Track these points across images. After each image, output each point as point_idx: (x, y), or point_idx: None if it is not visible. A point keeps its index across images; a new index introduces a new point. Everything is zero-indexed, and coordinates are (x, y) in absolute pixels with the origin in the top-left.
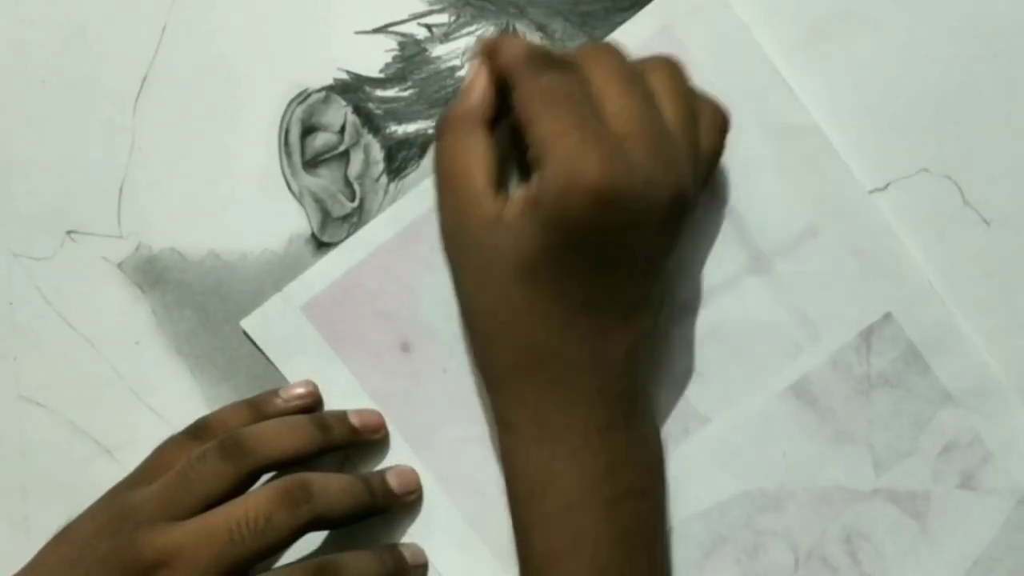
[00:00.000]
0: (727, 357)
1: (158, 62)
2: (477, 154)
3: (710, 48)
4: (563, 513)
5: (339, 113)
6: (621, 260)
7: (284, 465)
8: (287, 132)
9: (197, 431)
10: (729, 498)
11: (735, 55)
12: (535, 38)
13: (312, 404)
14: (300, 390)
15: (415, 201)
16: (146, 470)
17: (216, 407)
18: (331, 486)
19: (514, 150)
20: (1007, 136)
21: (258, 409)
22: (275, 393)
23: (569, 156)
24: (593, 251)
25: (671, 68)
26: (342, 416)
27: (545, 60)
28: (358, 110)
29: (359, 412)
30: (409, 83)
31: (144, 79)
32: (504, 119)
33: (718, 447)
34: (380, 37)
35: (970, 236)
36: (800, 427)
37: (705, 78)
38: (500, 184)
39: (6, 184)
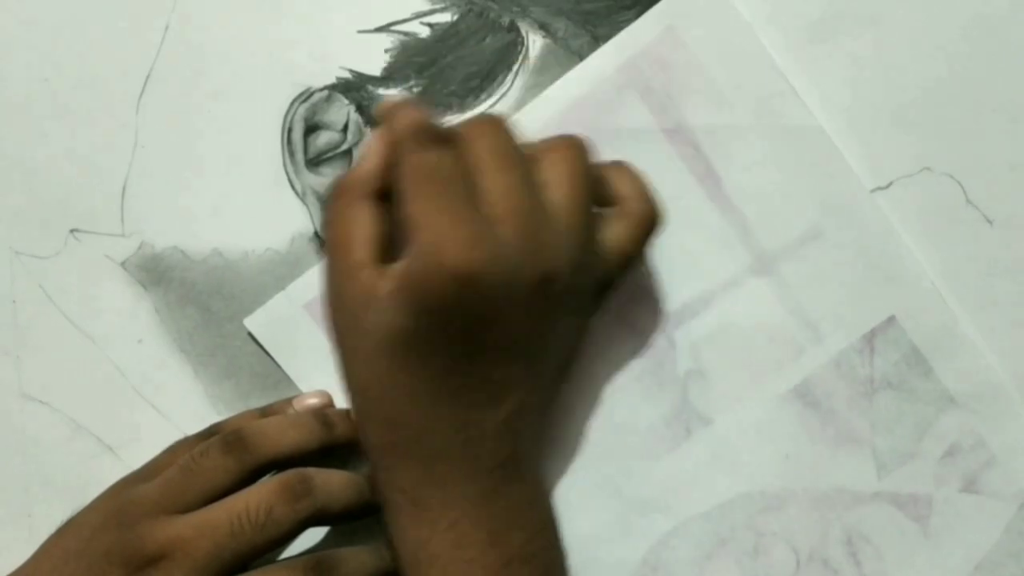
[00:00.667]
0: (730, 358)
1: (161, 61)
2: (360, 225)
3: (714, 50)
4: None
5: (342, 112)
6: (486, 342)
7: (287, 462)
8: (290, 131)
9: (208, 436)
10: (730, 499)
11: (740, 57)
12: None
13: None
14: (314, 400)
15: None
16: (153, 468)
17: (219, 405)
18: (333, 481)
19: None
20: (1010, 135)
21: (268, 415)
22: (288, 403)
23: (434, 238)
24: (458, 332)
25: (570, 150)
26: (345, 413)
27: (428, 135)
28: (361, 109)
29: None
30: (412, 82)
31: (147, 78)
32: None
33: (720, 448)
34: (383, 36)
35: (972, 235)
36: (803, 429)
37: (710, 79)
38: (387, 258)
39: (9, 182)
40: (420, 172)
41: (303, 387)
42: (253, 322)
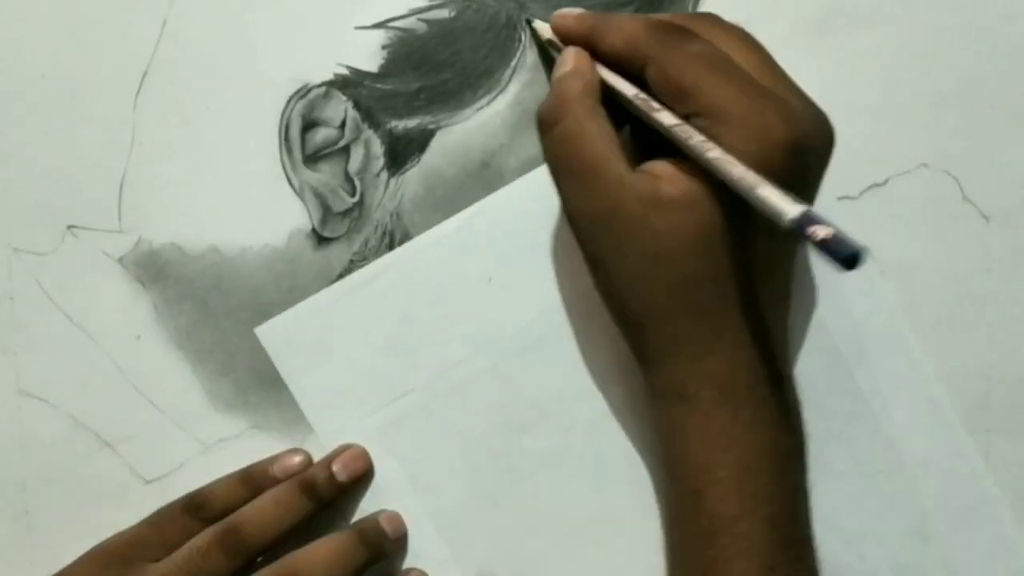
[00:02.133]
0: None
1: (158, 57)
2: (609, 135)
3: None
4: (740, 475)
5: (339, 108)
6: None
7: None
8: (287, 127)
9: (193, 507)
10: None
11: None
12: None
13: (301, 472)
14: (294, 461)
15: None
16: (141, 537)
17: (217, 401)
18: (318, 566)
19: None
20: (1007, 131)
21: (251, 483)
22: (267, 467)
23: (752, 118)
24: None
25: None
26: (328, 475)
27: (675, 30)
28: (358, 105)
29: (343, 459)
30: (409, 78)
31: (144, 74)
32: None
33: None
34: (380, 32)
35: (969, 231)
36: None
37: None
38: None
39: (6, 179)
40: (702, 61)
41: (302, 402)
42: (264, 331)
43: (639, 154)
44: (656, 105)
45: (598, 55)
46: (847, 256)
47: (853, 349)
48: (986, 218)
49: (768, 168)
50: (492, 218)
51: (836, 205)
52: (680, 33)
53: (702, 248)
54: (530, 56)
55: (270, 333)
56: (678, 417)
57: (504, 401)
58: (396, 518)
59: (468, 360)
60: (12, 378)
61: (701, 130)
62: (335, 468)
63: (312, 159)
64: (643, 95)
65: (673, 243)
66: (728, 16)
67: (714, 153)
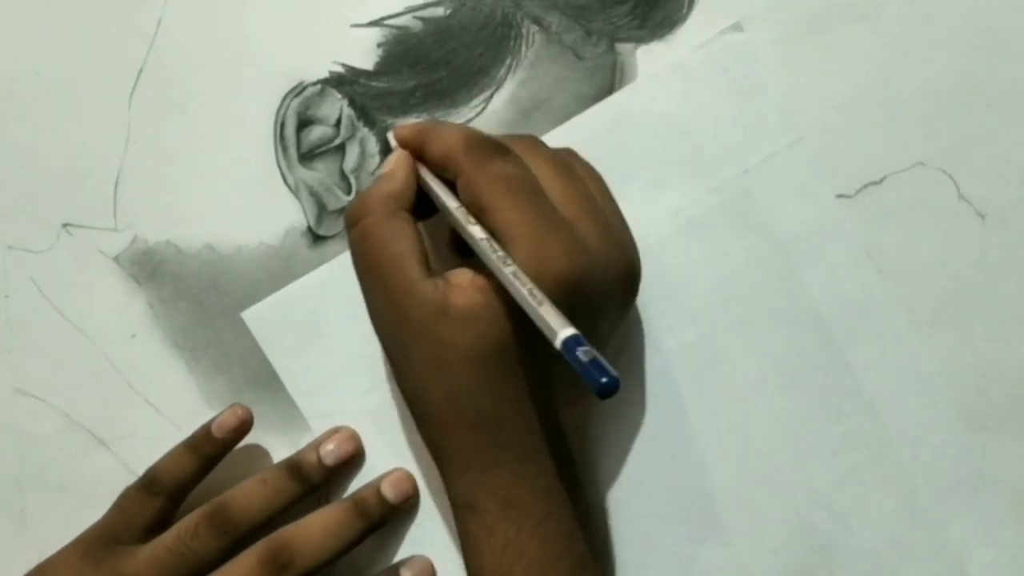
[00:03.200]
0: None
1: (153, 55)
2: (407, 239)
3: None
4: None
5: (335, 106)
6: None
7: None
8: (283, 125)
9: (147, 483)
10: None
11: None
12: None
13: (246, 429)
14: (232, 422)
15: None
16: (111, 522)
17: (212, 400)
18: (313, 539)
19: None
20: (1003, 130)
21: (199, 451)
22: (208, 431)
23: (534, 245)
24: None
25: (569, 153)
26: (316, 458)
27: (489, 148)
28: (353, 103)
29: (331, 442)
30: (405, 76)
31: (140, 72)
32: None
33: None
34: (376, 30)
35: (965, 230)
36: None
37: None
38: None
39: (1, 177)
40: (502, 182)
41: (290, 386)
42: (250, 315)
43: (459, 259)
44: (471, 219)
45: (424, 162)
46: (604, 383)
47: (846, 328)
48: (982, 216)
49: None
50: None
51: (833, 203)
52: (493, 151)
53: (480, 362)
54: (525, 54)
55: (257, 317)
56: (468, 527)
57: None
58: (402, 480)
59: None
60: (7, 376)
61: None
62: (322, 452)
63: (307, 157)
64: (460, 207)
65: (454, 354)
66: (727, 15)
67: (509, 269)
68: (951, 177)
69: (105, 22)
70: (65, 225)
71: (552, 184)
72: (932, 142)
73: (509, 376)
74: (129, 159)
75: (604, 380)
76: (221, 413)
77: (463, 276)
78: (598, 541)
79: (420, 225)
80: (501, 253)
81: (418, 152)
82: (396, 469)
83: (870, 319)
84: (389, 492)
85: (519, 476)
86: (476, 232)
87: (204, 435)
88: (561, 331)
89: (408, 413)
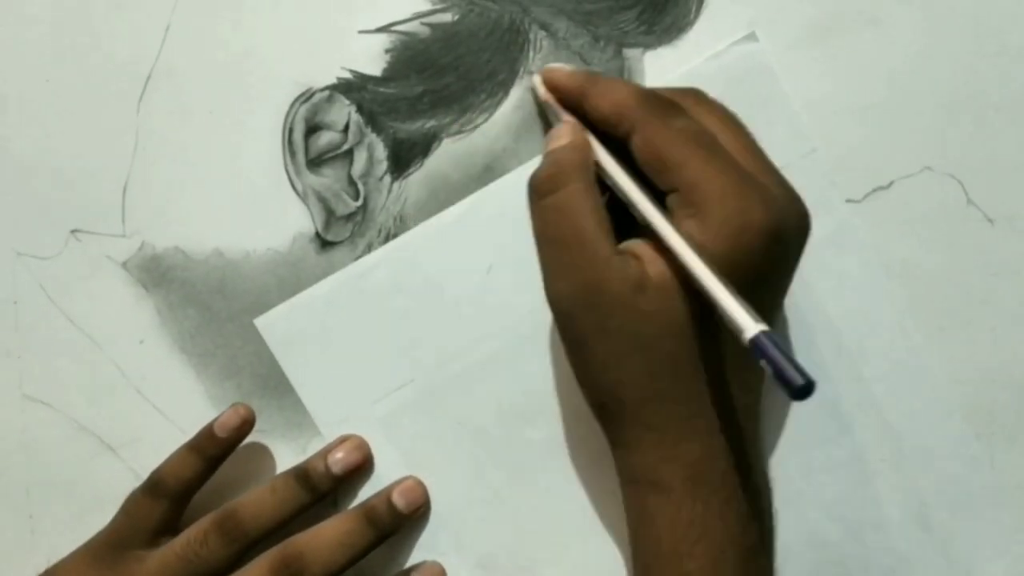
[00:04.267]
0: None
1: (162, 61)
2: (600, 213)
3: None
4: (710, 567)
5: (343, 112)
6: (777, 292)
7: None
8: (291, 131)
9: (151, 487)
10: None
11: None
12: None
13: (248, 429)
14: (235, 421)
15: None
16: (117, 528)
17: (220, 405)
18: (323, 547)
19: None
20: (1011, 135)
21: (202, 452)
22: (211, 431)
23: (733, 199)
24: (757, 289)
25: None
26: (324, 466)
27: (664, 103)
28: (361, 109)
29: (339, 450)
30: (413, 82)
31: (148, 78)
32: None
33: None
34: (383, 36)
35: (973, 234)
36: None
37: None
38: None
39: (10, 183)
40: (686, 138)
41: (302, 393)
42: (263, 322)
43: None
44: (654, 209)
45: (584, 115)
46: (801, 387)
47: (857, 340)
48: (991, 221)
49: (746, 252)
50: (491, 208)
51: (842, 208)
52: (668, 106)
53: (683, 333)
54: (533, 60)
55: (269, 324)
56: (649, 505)
57: (505, 391)
58: (413, 489)
59: (468, 350)
60: (16, 382)
61: (681, 205)
62: (330, 460)
63: (315, 163)
64: (647, 201)
65: (656, 327)
66: (734, 20)
67: (699, 269)
68: (960, 182)
69: (113, 29)
70: (73, 231)
71: (726, 137)
72: (940, 147)
73: (703, 348)
74: (137, 165)
75: (800, 383)
76: (223, 413)
77: (645, 249)
78: (769, 519)
79: None
80: (691, 252)
81: (577, 105)
82: (407, 477)
83: (879, 324)
84: (400, 501)
85: (708, 449)
86: (663, 227)
87: (207, 436)
88: (751, 327)
89: (422, 418)
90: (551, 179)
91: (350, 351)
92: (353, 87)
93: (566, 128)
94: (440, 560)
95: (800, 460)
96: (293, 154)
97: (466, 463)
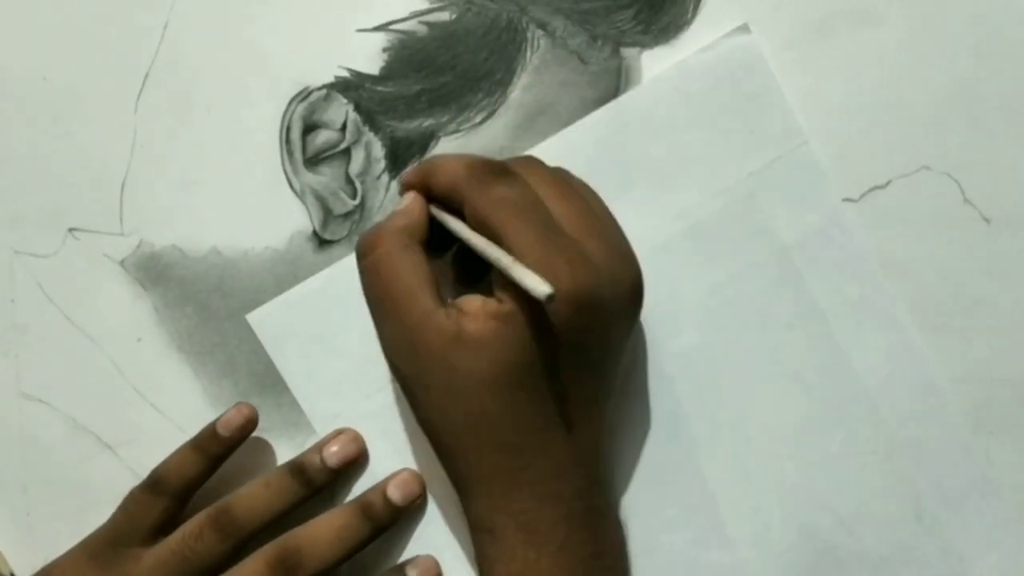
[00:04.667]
0: None
1: (159, 59)
2: (419, 270)
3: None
4: None
5: (340, 111)
6: (593, 356)
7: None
8: (288, 130)
9: (152, 484)
10: None
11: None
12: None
13: (252, 428)
14: (238, 420)
15: None
16: (116, 526)
17: (218, 404)
18: (319, 541)
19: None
20: (1008, 134)
21: (205, 451)
22: (214, 430)
23: (542, 265)
24: (569, 353)
25: (570, 173)
26: (319, 460)
27: (491, 172)
28: (359, 108)
29: (334, 444)
30: (410, 81)
31: (146, 77)
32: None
33: None
34: (381, 35)
35: (970, 234)
36: None
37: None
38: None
39: (7, 181)
40: (504, 205)
41: (294, 388)
42: (255, 317)
43: (465, 287)
44: (478, 237)
45: (431, 197)
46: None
47: (850, 332)
48: (987, 220)
49: (553, 317)
50: None
51: (838, 207)
52: (496, 175)
53: (496, 387)
54: (530, 59)
55: (261, 319)
56: (485, 552)
57: None
58: (408, 482)
59: None
60: (13, 380)
61: (493, 276)
62: (325, 454)
63: (313, 162)
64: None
65: (468, 381)
66: (732, 19)
67: (505, 260)
68: (956, 181)
69: (111, 26)
70: (71, 229)
71: (554, 203)
72: (937, 146)
73: (526, 400)
74: (135, 163)
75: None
76: (226, 412)
77: (474, 303)
78: (624, 560)
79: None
80: (501, 251)
81: (425, 190)
82: (402, 470)
83: (875, 323)
84: (395, 494)
85: (540, 499)
86: (483, 243)
87: (210, 434)
88: (542, 288)
89: (411, 416)
90: (367, 241)
91: (342, 346)
92: (351, 86)
93: (404, 198)
94: (434, 554)
95: (793, 454)
96: (291, 153)
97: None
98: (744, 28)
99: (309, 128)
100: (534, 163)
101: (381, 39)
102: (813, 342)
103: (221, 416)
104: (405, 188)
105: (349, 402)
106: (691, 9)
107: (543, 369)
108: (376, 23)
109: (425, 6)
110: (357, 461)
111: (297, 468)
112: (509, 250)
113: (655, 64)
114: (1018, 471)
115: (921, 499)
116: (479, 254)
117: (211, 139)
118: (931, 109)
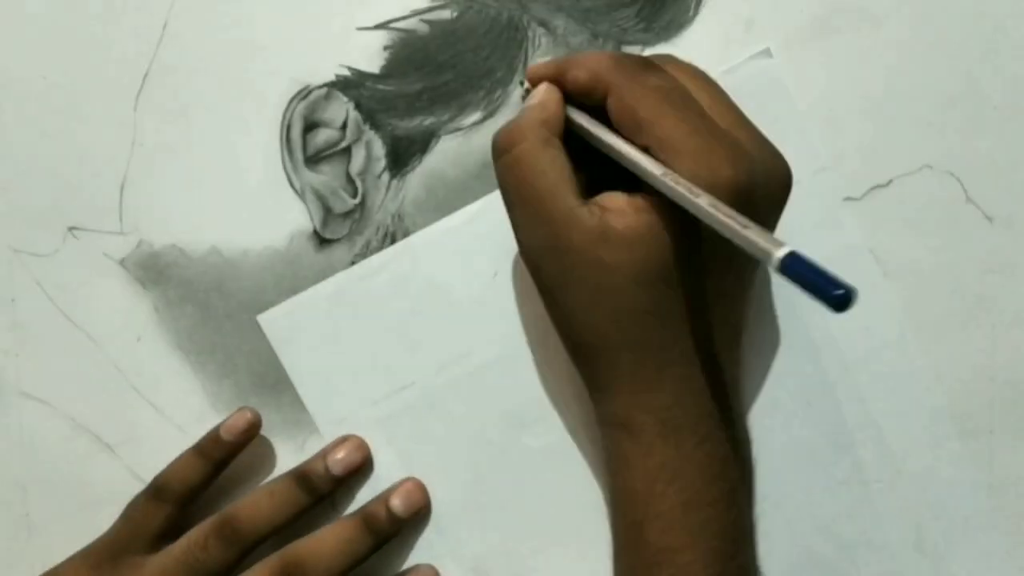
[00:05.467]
0: None
1: (159, 58)
2: (561, 166)
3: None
4: (682, 508)
5: (341, 109)
6: (737, 249)
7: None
8: (289, 128)
9: (156, 491)
10: None
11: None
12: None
13: (255, 432)
14: (241, 425)
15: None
16: (118, 534)
17: (217, 404)
18: (323, 554)
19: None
20: (1010, 133)
21: (208, 456)
22: (217, 435)
23: (702, 155)
24: (715, 248)
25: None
26: (323, 468)
27: (637, 63)
28: (360, 106)
29: (339, 451)
30: (411, 79)
31: (145, 75)
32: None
33: None
34: (382, 33)
35: (972, 232)
36: None
37: None
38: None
39: (7, 180)
40: (659, 95)
41: (302, 390)
42: (266, 319)
43: (595, 190)
44: (639, 154)
45: (566, 90)
46: (838, 295)
47: (857, 356)
48: (990, 219)
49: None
50: (499, 213)
51: (840, 206)
52: (641, 66)
53: (646, 283)
54: (532, 57)
55: (272, 321)
56: (622, 448)
57: (506, 397)
58: (412, 492)
59: (471, 354)
60: (13, 380)
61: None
62: (329, 461)
63: (313, 160)
64: (634, 149)
65: (617, 277)
66: (733, 18)
67: (702, 200)
68: (959, 180)
69: (110, 26)
70: (71, 229)
71: (703, 95)
72: (939, 145)
73: (672, 296)
74: (135, 162)
75: (838, 292)
76: (229, 416)
77: (618, 200)
78: (749, 467)
79: None
80: (687, 184)
81: (560, 87)
82: (406, 479)
83: (875, 322)
84: (399, 506)
85: (680, 396)
86: (651, 167)
87: (213, 439)
88: (777, 250)
89: (422, 421)
90: (507, 136)
91: (352, 351)
92: (351, 84)
93: (537, 90)
94: (435, 564)
95: (798, 479)
96: (291, 151)
97: (463, 468)
98: (766, 52)
99: (309, 127)
100: (674, 59)
101: (382, 37)
102: (822, 365)
103: (224, 421)
104: (535, 81)
105: (356, 408)
106: (692, 7)
107: (687, 267)
108: (377, 21)
109: (426, 4)
110: (361, 468)
111: (301, 476)
112: (664, 140)
113: None
114: (1018, 471)
115: (922, 529)
116: (626, 164)
117: (211, 138)
118: (933, 107)
